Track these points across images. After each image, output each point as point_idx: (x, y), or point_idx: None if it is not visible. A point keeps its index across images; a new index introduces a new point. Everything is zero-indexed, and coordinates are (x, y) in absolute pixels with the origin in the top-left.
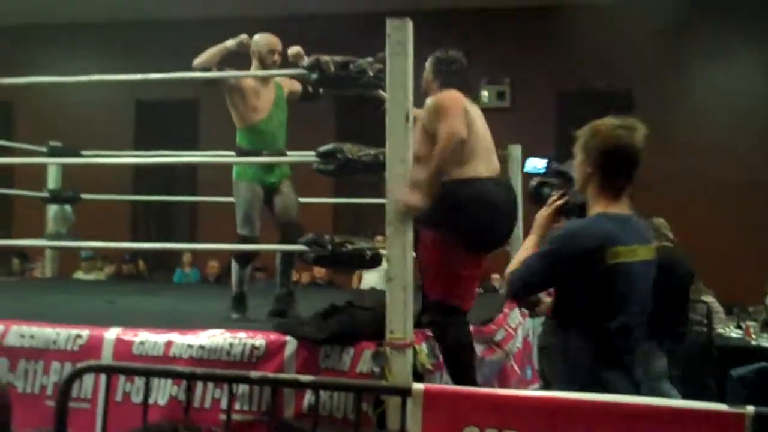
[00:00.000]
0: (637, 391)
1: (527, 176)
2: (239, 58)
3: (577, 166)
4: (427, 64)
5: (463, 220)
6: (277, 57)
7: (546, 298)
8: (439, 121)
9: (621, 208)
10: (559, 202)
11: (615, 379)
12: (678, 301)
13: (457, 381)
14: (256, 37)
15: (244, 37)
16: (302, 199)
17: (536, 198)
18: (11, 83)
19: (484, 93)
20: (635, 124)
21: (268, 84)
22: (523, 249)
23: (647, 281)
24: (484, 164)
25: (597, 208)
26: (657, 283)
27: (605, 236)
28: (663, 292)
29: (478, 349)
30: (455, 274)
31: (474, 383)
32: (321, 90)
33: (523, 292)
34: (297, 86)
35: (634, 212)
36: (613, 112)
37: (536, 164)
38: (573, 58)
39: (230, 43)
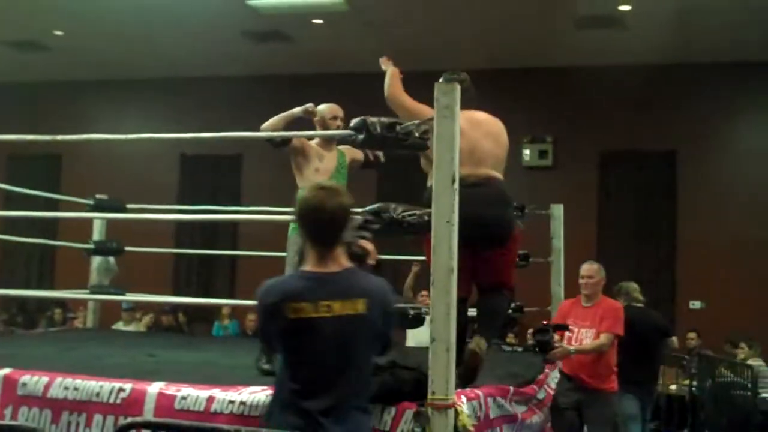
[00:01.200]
0: None
1: (567, 236)
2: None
3: None
4: None
5: None
6: (339, 123)
7: (566, 346)
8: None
9: (323, 267)
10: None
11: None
12: (642, 356)
13: None
14: (321, 106)
15: (309, 105)
16: None
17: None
18: (65, 140)
19: (526, 151)
20: (334, 189)
21: (332, 149)
22: None
23: (343, 334)
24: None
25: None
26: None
27: (286, 292)
28: (628, 345)
29: (519, 410)
30: None
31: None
32: (382, 158)
33: (270, 347)
34: (359, 155)
35: (345, 270)
36: (655, 171)
37: None
38: (616, 117)
39: (297, 110)
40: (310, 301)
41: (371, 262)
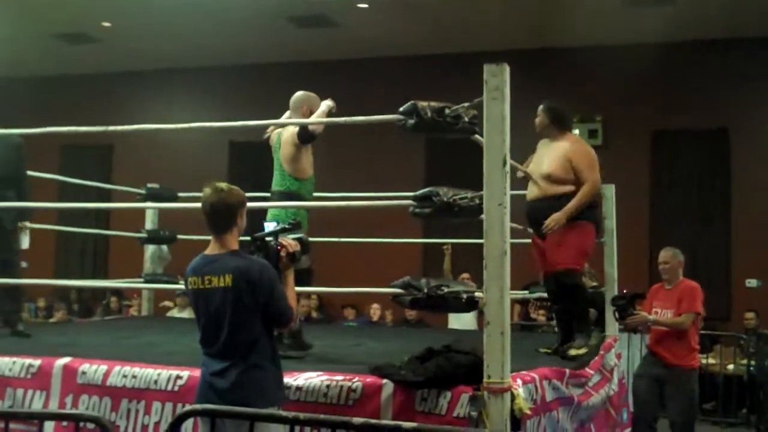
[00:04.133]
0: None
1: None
2: None
3: None
4: (541, 112)
5: None
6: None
7: (645, 313)
8: (588, 168)
9: (212, 250)
10: None
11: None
12: None
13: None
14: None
15: (332, 104)
16: (393, 240)
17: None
18: (117, 130)
19: (575, 131)
20: (220, 188)
21: None
22: None
23: (221, 302)
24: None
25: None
26: None
27: (189, 268)
28: None
29: (575, 392)
30: None
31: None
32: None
33: None
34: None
35: (228, 252)
36: (708, 149)
37: (269, 226)
38: (666, 95)
39: (328, 106)
40: (198, 275)
41: (283, 255)
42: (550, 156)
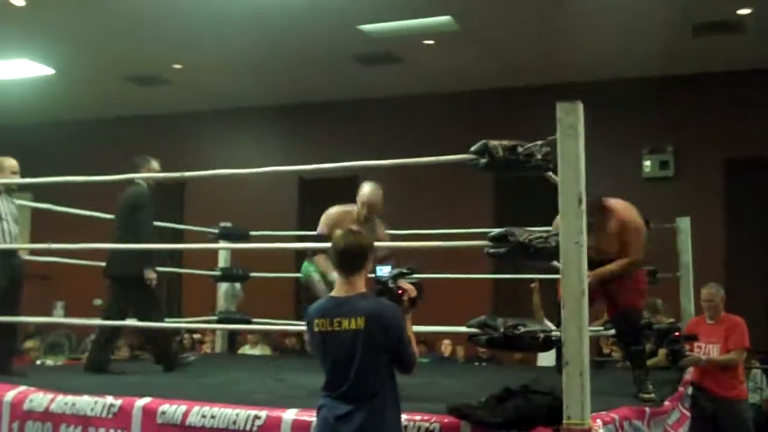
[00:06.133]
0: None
1: (695, 249)
2: None
3: None
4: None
5: None
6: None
7: (697, 354)
8: (633, 236)
9: (341, 292)
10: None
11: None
12: None
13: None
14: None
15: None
16: (464, 275)
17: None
18: (192, 176)
19: (646, 162)
20: (355, 231)
21: None
22: None
23: (351, 345)
24: None
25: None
26: None
27: (314, 311)
28: None
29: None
30: None
31: None
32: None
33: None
34: None
35: (357, 294)
36: None
37: (383, 271)
38: (738, 123)
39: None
40: (327, 317)
41: (405, 299)
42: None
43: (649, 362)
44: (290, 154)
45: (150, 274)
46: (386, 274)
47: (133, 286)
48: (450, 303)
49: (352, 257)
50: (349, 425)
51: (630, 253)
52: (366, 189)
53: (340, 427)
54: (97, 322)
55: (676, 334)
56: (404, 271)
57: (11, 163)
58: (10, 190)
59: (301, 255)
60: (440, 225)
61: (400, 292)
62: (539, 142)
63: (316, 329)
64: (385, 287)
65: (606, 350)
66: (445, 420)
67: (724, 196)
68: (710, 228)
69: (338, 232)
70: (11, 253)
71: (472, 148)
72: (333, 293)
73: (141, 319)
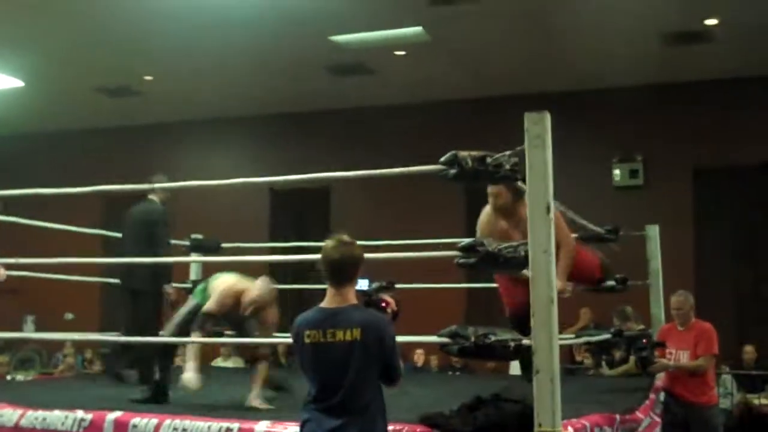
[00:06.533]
0: None
1: (664, 256)
2: None
3: None
4: (503, 190)
5: None
6: None
7: (665, 361)
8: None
9: (332, 303)
10: None
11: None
12: None
13: None
14: None
15: None
16: (436, 285)
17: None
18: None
19: (616, 171)
20: (347, 241)
21: None
22: None
23: (345, 356)
24: None
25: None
26: None
27: (303, 322)
28: None
29: None
30: None
31: None
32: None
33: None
34: None
35: (349, 305)
36: (752, 185)
37: (361, 285)
38: (707, 132)
39: None
40: (318, 329)
41: (388, 312)
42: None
43: (620, 369)
44: (261, 164)
45: (169, 289)
46: (366, 288)
47: (149, 300)
48: (423, 313)
49: (344, 268)
50: None
51: (562, 240)
52: None
53: None
54: (72, 336)
55: (644, 341)
56: (384, 285)
57: None
58: None
59: (277, 266)
60: (412, 236)
61: (384, 304)
62: (507, 153)
63: (307, 341)
64: (370, 299)
65: (578, 358)
66: (418, 430)
67: (693, 205)
68: (679, 236)
69: (329, 243)
70: None
71: (442, 159)
72: (323, 305)
73: (135, 332)
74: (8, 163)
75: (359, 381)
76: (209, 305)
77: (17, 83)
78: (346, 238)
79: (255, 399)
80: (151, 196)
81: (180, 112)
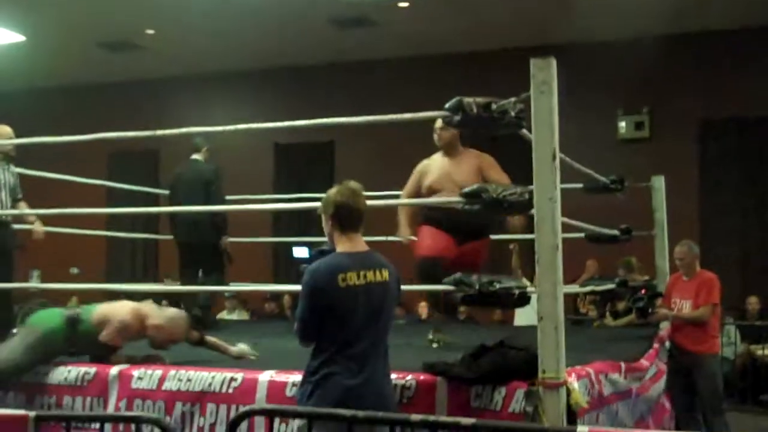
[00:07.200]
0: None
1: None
2: None
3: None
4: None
5: None
6: None
7: (665, 311)
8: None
9: (354, 247)
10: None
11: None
12: None
13: None
14: None
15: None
16: None
17: None
18: (163, 134)
19: (621, 124)
20: (351, 186)
21: None
22: None
23: (381, 298)
24: None
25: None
26: None
27: (336, 267)
28: None
29: (633, 386)
30: None
31: None
32: None
33: (308, 338)
34: None
35: (368, 250)
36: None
37: (301, 252)
38: (714, 84)
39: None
40: (354, 271)
41: None
42: (463, 169)
43: (624, 320)
44: (265, 118)
45: (225, 241)
46: (307, 255)
47: (209, 252)
48: None
49: (361, 216)
50: (371, 387)
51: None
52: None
53: (361, 391)
54: (89, 286)
55: (642, 291)
56: (325, 249)
57: (6, 130)
58: (8, 159)
59: (280, 220)
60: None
61: None
62: (512, 99)
63: (342, 284)
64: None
65: (582, 309)
66: (421, 377)
67: (699, 158)
68: (685, 188)
69: (346, 190)
70: (3, 224)
71: (447, 105)
72: (344, 250)
73: (208, 282)
74: (9, 119)
75: (389, 323)
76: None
77: (18, 38)
78: (357, 186)
79: (237, 351)
80: (196, 156)
81: (182, 66)
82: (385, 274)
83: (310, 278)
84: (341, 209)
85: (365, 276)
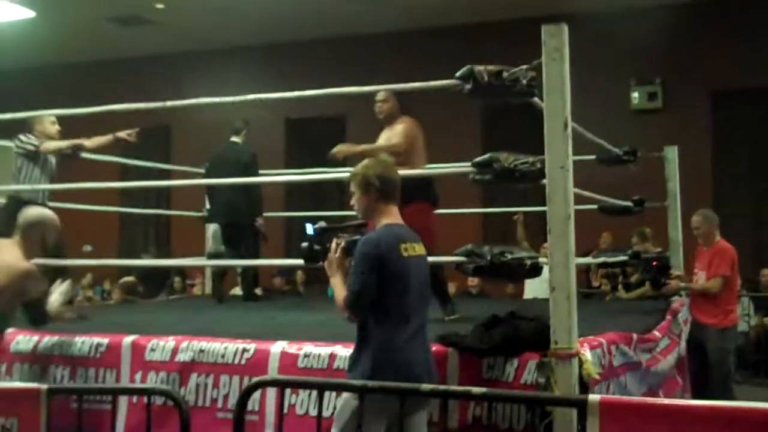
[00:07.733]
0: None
1: (682, 179)
2: None
3: (358, 200)
4: (390, 97)
5: None
6: None
7: (676, 282)
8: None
9: (396, 219)
10: (342, 245)
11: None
12: None
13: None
14: None
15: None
16: (452, 210)
17: (311, 256)
18: (173, 105)
19: (634, 94)
20: (383, 161)
21: None
22: (339, 289)
23: (424, 270)
24: None
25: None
26: None
27: (398, 237)
28: None
29: (643, 357)
30: None
31: None
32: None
33: (361, 311)
34: None
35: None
36: None
37: (307, 229)
38: (728, 54)
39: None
40: (406, 242)
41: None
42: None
43: (637, 292)
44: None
45: (260, 220)
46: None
47: (248, 230)
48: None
49: (399, 186)
50: (427, 359)
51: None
52: None
53: (422, 363)
54: (116, 262)
55: (653, 263)
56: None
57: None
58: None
59: (292, 194)
60: (429, 156)
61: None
62: (524, 67)
63: (405, 254)
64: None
65: (595, 282)
66: (433, 348)
67: (712, 128)
68: (699, 160)
69: (380, 163)
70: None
71: (458, 74)
72: (391, 221)
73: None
74: (20, 95)
75: (430, 297)
76: None
77: (28, 13)
78: (389, 158)
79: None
80: (235, 138)
81: (193, 41)
82: (422, 247)
83: (372, 248)
84: (385, 182)
85: (414, 248)
